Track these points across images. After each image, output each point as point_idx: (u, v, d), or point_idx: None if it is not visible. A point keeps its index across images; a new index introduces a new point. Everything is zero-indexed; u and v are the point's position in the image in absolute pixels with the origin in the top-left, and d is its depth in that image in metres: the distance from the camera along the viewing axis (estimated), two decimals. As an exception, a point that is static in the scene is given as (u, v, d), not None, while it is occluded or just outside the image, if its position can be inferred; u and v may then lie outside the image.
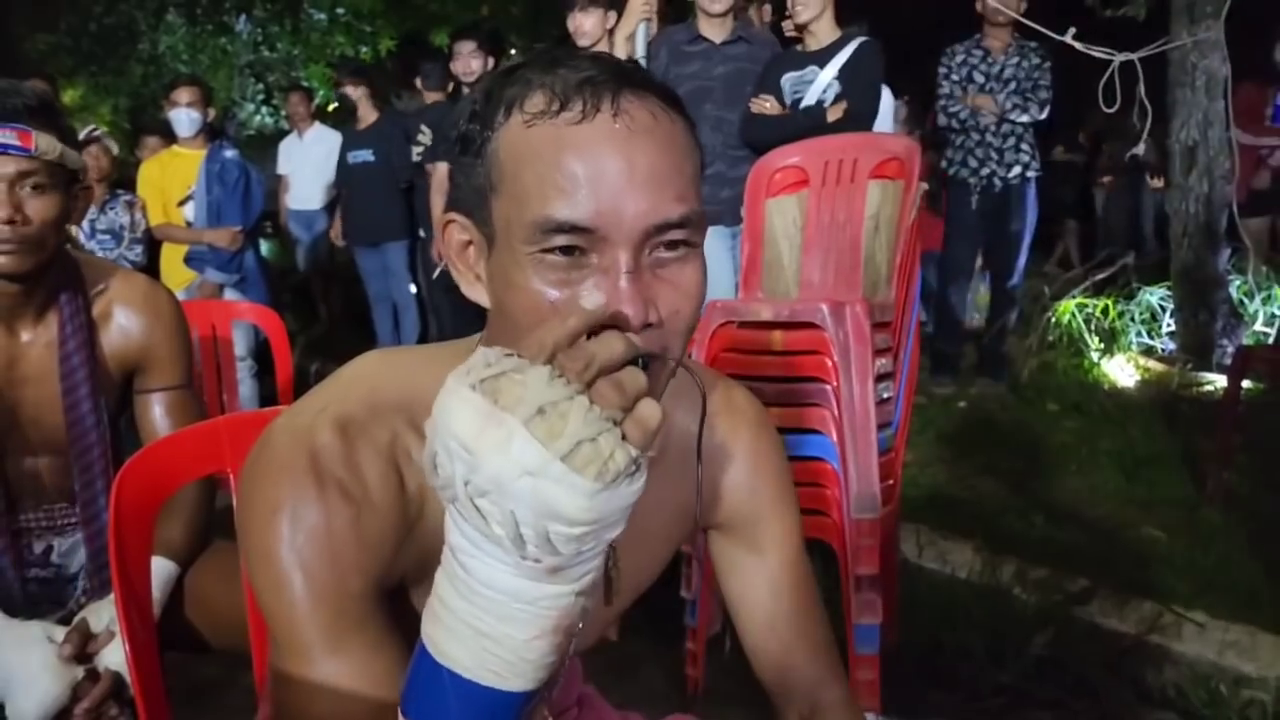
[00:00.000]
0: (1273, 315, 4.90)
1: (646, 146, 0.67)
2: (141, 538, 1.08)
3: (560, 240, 0.66)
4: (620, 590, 0.78)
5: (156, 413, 1.54)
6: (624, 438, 0.56)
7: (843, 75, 3.34)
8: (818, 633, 0.98)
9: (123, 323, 1.51)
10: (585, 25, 3.63)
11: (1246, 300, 5.08)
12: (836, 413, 2.01)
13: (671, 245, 0.69)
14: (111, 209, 4.22)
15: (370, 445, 0.74)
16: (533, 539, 0.56)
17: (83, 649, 1.30)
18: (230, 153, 4.30)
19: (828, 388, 2.02)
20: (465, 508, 0.57)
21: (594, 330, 0.60)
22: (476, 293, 0.76)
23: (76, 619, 1.33)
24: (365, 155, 5.28)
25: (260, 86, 9.65)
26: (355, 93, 5.29)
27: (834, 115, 3.29)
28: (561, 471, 0.54)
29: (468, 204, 0.73)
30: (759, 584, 0.97)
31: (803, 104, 3.38)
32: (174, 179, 4.33)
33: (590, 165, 0.66)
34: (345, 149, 5.37)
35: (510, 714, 0.60)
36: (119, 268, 1.58)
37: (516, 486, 0.54)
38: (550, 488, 0.54)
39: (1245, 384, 3.25)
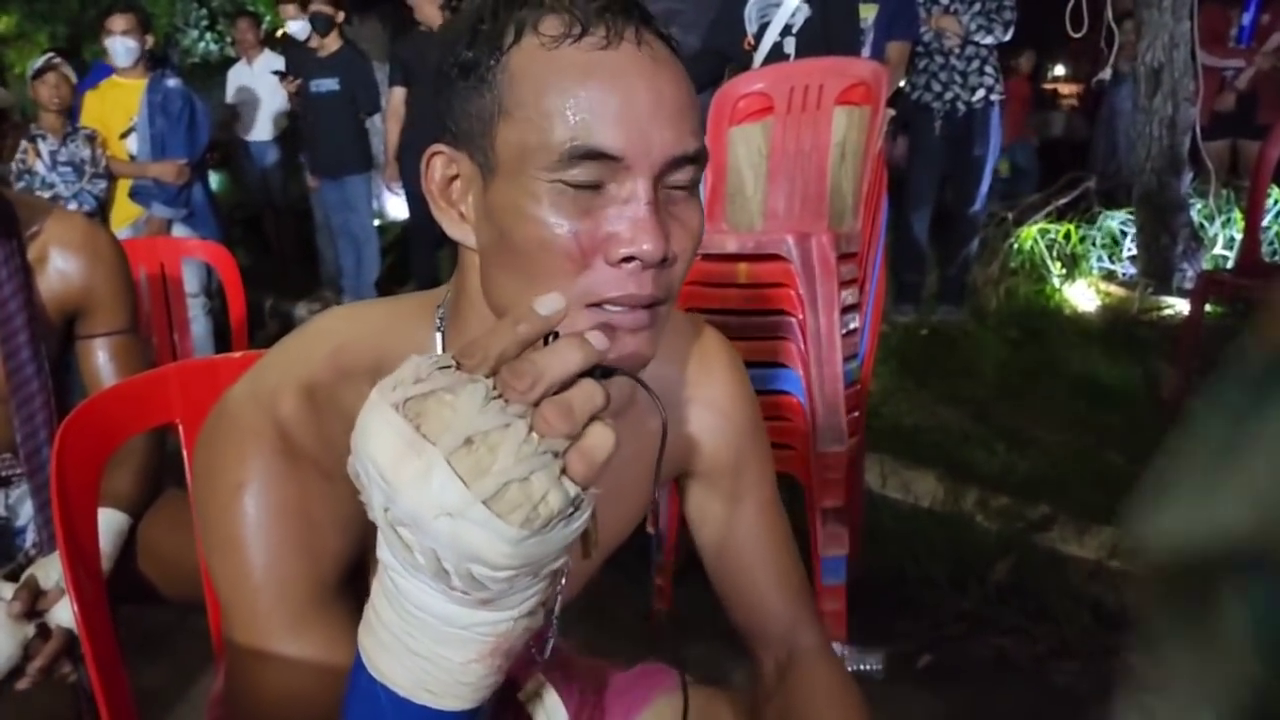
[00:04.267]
0: (1232, 239, 4.93)
1: (669, 77, 0.66)
2: (87, 494, 1.03)
3: (583, 171, 0.63)
4: (598, 543, 0.76)
5: (100, 359, 1.48)
6: (565, 471, 0.50)
7: None
8: (793, 577, 0.97)
9: (60, 265, 1.44)
10: None
11: (1206, 224, 5.11)
12: (803, 346, 2.00)
13: (679, 185, 0.67)
14: (72, 141, 4.04)
15: (337, 414, 0.70)
16: (456, 575, 0.50)
17: (32, 606, 1.25)
18: (173, 82, 4.13)
19: (793, 320, 2.00)
20: (387, 533, 0.52)
21: (548, 337, 0.54)
22: (462, 232, 0.71)
23: (25, 575, 1.29)
24: (330, 84, 5.08)
25: (204, 12, 9.29)
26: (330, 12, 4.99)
27: None
28: (483, 515, 0.48)
29: (462, 133, 0.68)
30: (734, 532, 0.95)
31: (770, 28, 3.29)
32: (115, 110, 4.16)
33: (620, 93, 0.63)
34: (307, 77, 5.14)
35: None
36: (54, 207, 1.50)
37: (434, 526, 0.48)
38: (470, 531, 0.48)
39: (1206, 308, 3.28)
